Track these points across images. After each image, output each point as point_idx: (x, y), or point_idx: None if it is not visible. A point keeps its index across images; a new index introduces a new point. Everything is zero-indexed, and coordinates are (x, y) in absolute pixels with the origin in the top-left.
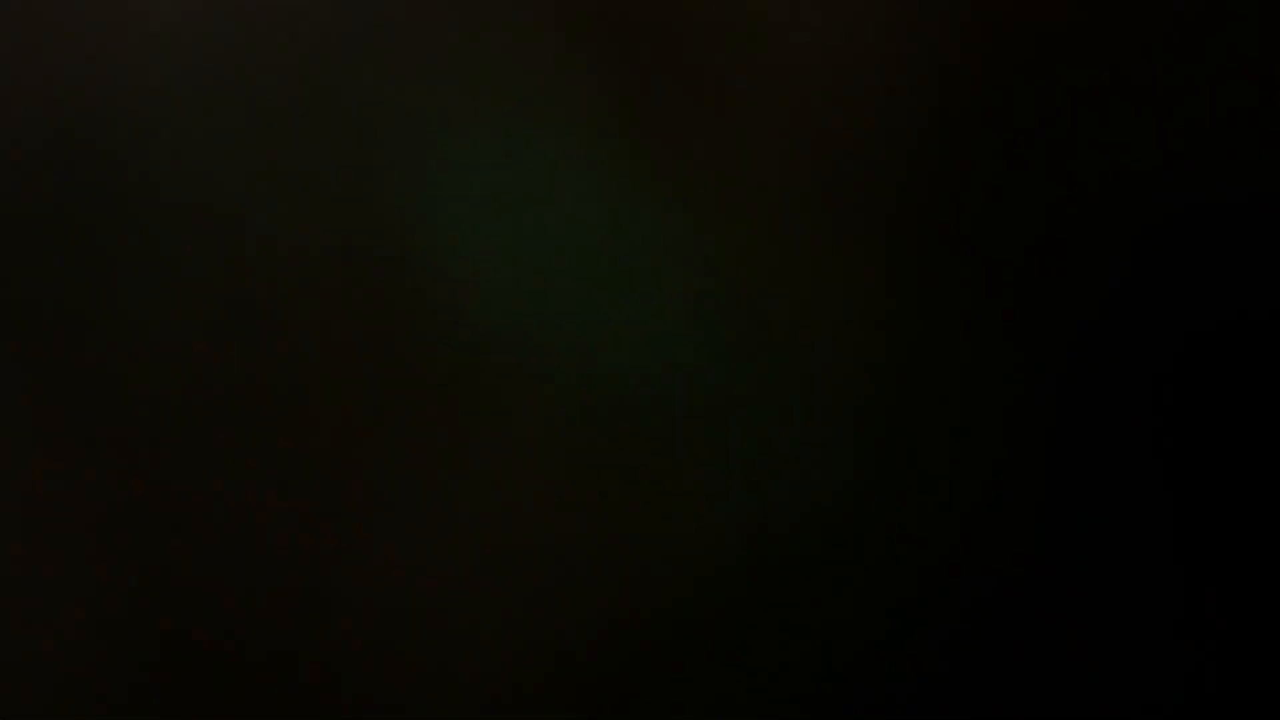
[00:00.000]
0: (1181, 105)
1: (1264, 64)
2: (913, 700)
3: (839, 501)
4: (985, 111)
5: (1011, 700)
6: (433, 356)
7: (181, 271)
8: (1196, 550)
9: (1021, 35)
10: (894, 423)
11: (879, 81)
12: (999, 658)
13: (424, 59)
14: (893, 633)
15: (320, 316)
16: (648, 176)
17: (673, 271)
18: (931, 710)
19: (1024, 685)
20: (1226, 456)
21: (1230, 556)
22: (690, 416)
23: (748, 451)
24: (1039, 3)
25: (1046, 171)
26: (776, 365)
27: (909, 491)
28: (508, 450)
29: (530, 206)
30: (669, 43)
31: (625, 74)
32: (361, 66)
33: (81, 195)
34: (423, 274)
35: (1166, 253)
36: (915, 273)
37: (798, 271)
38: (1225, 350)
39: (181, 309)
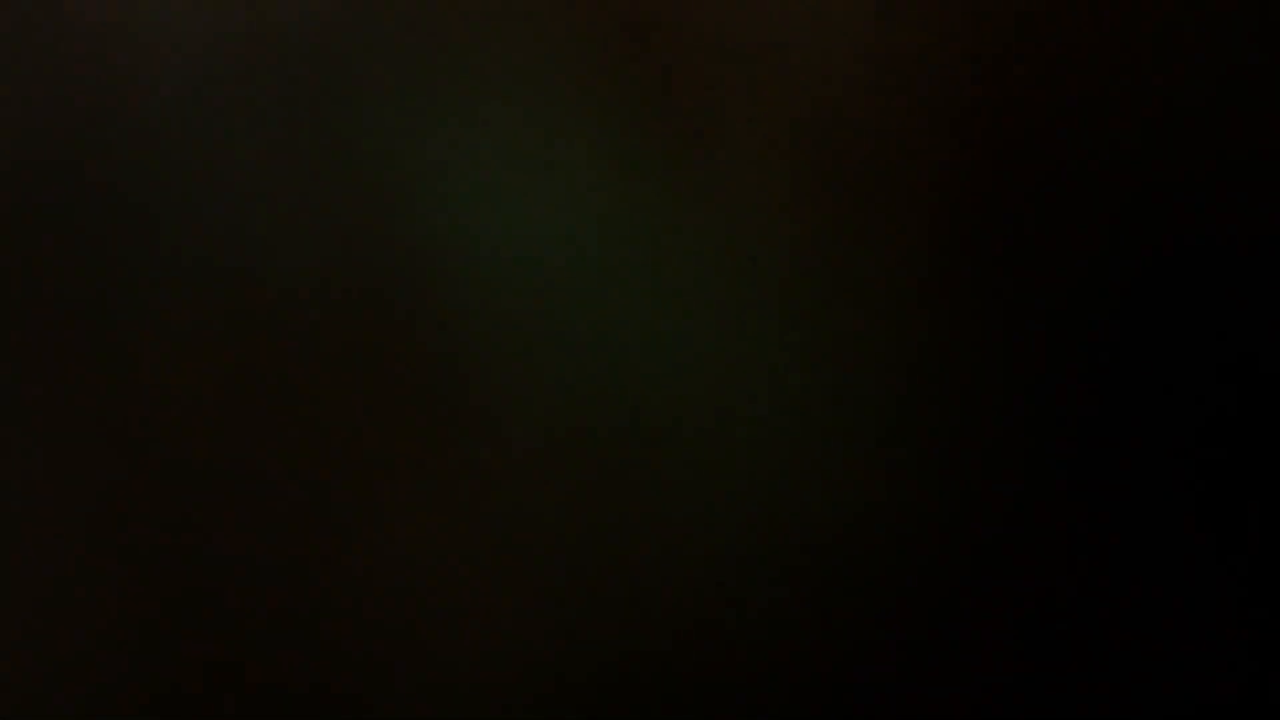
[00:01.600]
0: (1184, 105)
1: (1264, 64)
2: (917, 703)
3: (840, 504)
4: (988, 111)
5: (1015, 701)
6: (434, 356)
7: (181, 272)
8: (1199, 550)
9: (1024, 35)
10: (899, 425)
11: (883, 81)
12: (1004, 660)
13: (425, 58)
14: (898, 637)
15: (321, 317)
16: (650, 177)
17: (676, 273)
18: (937, 713)
19: (1029, 687)
20: (1228, 458)
21: (1233, 557)
22: (694, 418)
23: (752, 453)
24: (1042, 3)
25: (1050, 172)
26: (780, 365)
27: (913, 493)
28: (509, 451)
29: (534, 207)
30: (673, 41)
31: (628, 73)
32: (363, 65)
33: (82, 195)
34: (424, 274)
35: (1170, 253)
36: (922, 275)
37: (802, 271)
38: (1229, 351)
39: (181, 310)
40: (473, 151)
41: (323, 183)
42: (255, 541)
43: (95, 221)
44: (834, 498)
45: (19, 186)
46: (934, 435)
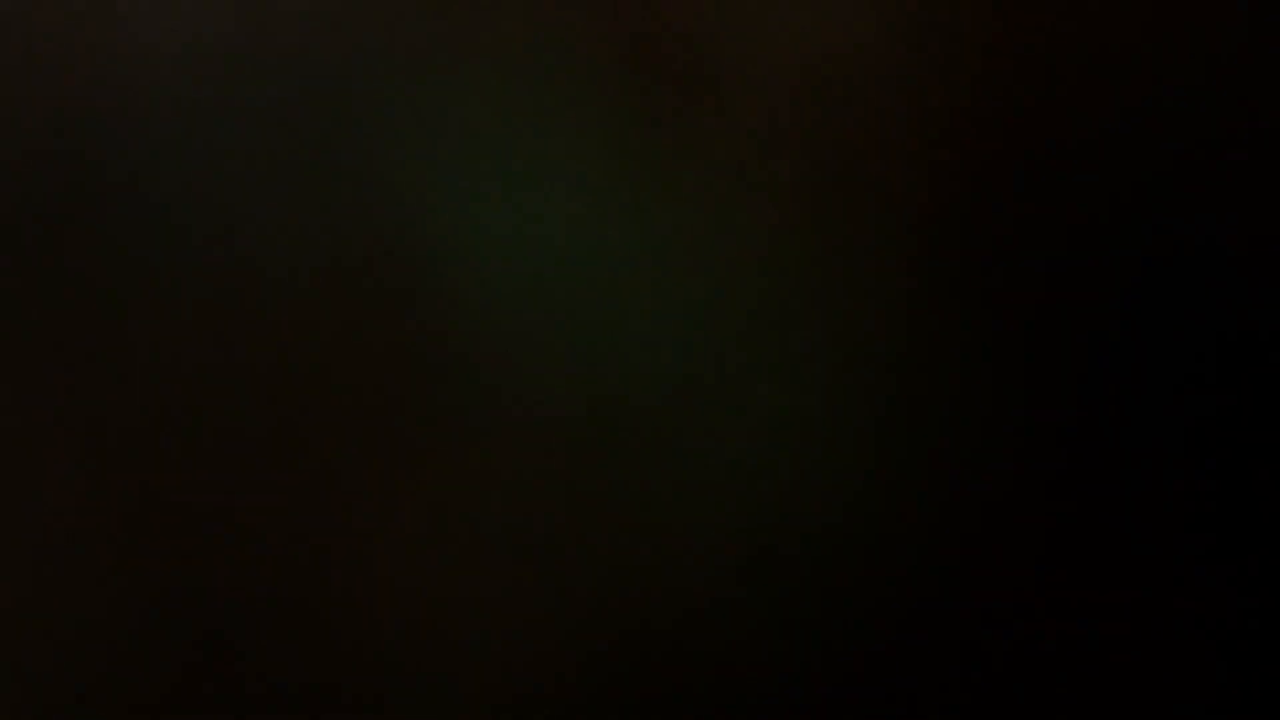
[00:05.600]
0: (1182, 105)
1: (1264, 64)
2: (914, 704)
3: (838, 505)
4: (990, 111)
5: (1014, 703)
6: (434, 357)
7: (182, 272)
8: (1199, 552)
9: (1026, 35)
10: (897, 425)
11: (884, 80)
12: (1002, 663)
13: (426, 58)
14: (895, 638)
15: (321, 316)
16: (650, 176)
17: (675, 273)
18: (934, 713)
19: (1027, 689)
20: (1229, 458)
21: (1232, 558)
22: (693, 418)
23: (751, 454)
24: (1044, 5)
25: (1050, 172)
26: (779, 366)
27: (911, 494)
28: (508, 452)
29: (534, 206)
30: (674, 40)
31: (629, 71)
32: (363, 65)
33: (82, 195)
34: (423, 274)
35: (1170, 254)
36: (921, 275)
37: (802, 272)
38: (1230, 352)
39: (181, 309)
40: (469, 150)
41: (322, 182)
42: (253, 540)
43: (95, 220)
44: (831, 497)
45: (20, 186)
46: (931, 433)
